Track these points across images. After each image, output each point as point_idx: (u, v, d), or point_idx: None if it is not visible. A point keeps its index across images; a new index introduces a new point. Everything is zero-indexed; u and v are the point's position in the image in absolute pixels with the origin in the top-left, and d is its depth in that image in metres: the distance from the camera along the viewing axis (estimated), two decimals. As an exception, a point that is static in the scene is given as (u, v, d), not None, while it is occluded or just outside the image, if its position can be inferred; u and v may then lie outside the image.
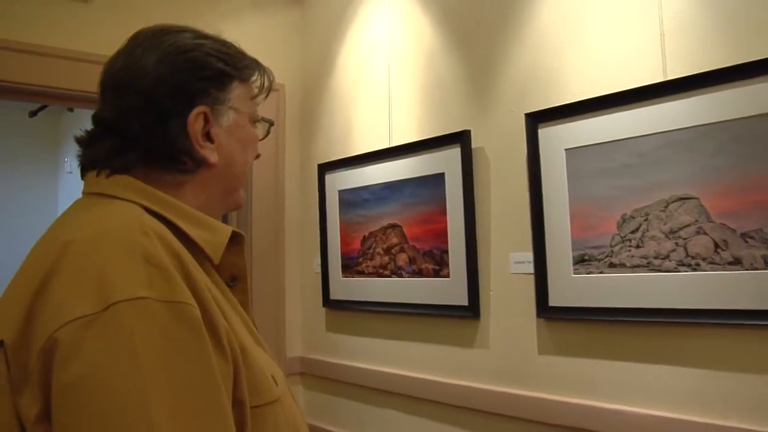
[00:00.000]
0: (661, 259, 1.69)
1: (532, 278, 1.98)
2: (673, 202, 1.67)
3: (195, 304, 0.78)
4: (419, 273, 2.35)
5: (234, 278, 1.00)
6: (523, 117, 1.98)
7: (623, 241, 1.76)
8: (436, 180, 2.28)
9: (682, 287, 1.65)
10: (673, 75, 1.68)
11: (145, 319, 0.74)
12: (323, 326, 2.86)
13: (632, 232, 1.75)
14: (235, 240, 0.98)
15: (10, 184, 5.84)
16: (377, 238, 2.53)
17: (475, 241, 2.15)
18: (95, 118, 0.98)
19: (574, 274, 1.86)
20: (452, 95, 2.29)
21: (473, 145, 2.17)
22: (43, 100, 2.71)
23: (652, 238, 1.71)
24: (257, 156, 1.09)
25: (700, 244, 1.62)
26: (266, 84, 1.07)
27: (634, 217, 1.74)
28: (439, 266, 2.26)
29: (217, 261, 0.93)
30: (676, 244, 1.66)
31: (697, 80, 1.63)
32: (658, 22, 1.72)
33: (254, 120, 1.06)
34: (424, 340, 2.36)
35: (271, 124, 1.12)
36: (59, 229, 0.89)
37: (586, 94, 1.86)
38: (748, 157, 1.54)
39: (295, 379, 2.92)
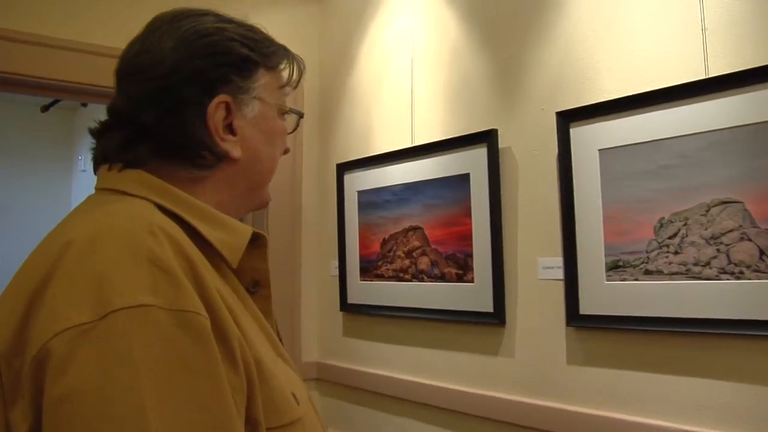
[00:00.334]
0: (702, 266, 1.60)
1: (561, 284, 1.89)
2: (714, 206, 1.58)
3: (204, 314, 0.71)
4: (442, 277, 2.26)
5: (256, 284, 0.92)
6: (554, 116, 1.90)
7: (660, 247, 1.67)
8: (461, 181, 2.20)
9: (723, 296, 1.56)
10: (715, 72, 1.59)
11: (147, 328, 0.66)
12: (340, 331, 2.78)
13: (670, 238, 1.66)
14: (257, 242, 0.90)
15: (21, 183, 5.77)
16: (398, 241, 2.45)
17: (502, 245, 2.06)
18: (109, 109, 0.91)
19: (607, 280, 1.78)
20: (478, 93, 2.21)
21: (500, 144, 2.09)
22: (55, 94, 2.63)
23: (692, 243, 1.62)
24: (286, 151, 1.01)
25: (744, 251, 1.53)
26: (296, 73, 0.99)
27: (672, 222, 1.65)
28: (463, 271, 2.18)
29: (235, 265, 0.86)
30: (718, 250, 1.57)
31: (741, 78, 1.54)
32: (699, 16, 1.63)
33: (282, 111, 0.98)
34: (445, 347, 2.27)
35: (301, 116, 1.04)
36: (63, 228, 0.82)
37: (621, 92, 1.77)
38: (800, 158, 1.45)
39: (311, 384, 2.84)
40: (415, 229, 2.39)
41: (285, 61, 0.97)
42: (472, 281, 2.15)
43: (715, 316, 1.57)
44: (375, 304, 2.56)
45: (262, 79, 0.92)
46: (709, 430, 1.56)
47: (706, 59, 1.62)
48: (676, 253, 1.64)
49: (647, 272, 1.70)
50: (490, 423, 2.07)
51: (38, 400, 0.65)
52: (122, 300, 0.67)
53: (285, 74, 0.98)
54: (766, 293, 1.49)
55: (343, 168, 2.75)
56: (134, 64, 0.89)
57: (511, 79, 2.09)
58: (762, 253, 1.50)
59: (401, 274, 2.43)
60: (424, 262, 2.34)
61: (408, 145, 2.44)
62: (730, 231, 1.55)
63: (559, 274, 1.90)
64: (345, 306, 2.71)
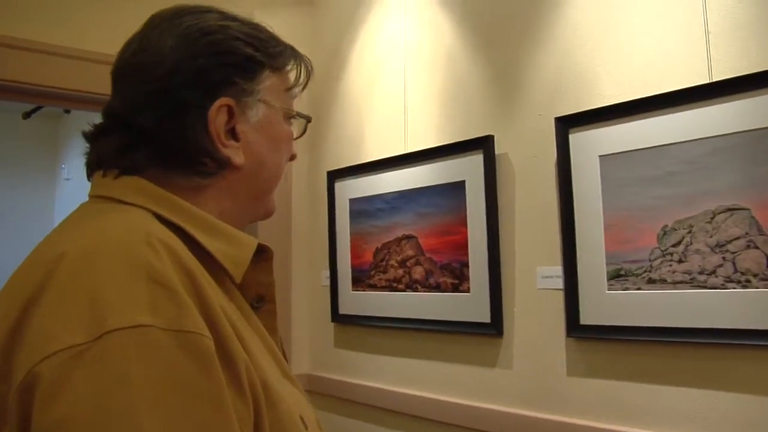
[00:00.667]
0: (707, 274, 1.56)
1: (561, 294, 1.84)
2: (720, 213, 1.54)
3: (208, 334, 0.65)
4: (437, 287, 2.21)
5: (260, 298, 0.87)
6: (553, 121, 1.86)
7: (664, 255, 1.63)
8: (456, 188, 2.15)
9: (730, 305, 1.51)
10: (719, 76, 1.56)
11: (146, 351, 0.61)
12: (331, 342, 2.72)
13: (674, 246, 1.61)
14: (262, 254, 0.85)
15: (3, 192, 5.66)
16: (391, 250, 2.40)
17: (499, 254, 2.01)
18: (105, 111, 0.85)
19: (609, 290, 1.73)
20: (473, 98, 2.16)
21: (497, 151, 2.04)
22: (38, 101, 2.56)
23: (697, 252, 1.58)
24: (292, 157, 0.96)
25: (751, 259, 1.49)
26: (303, 74, 0.93)
27: (676, 229, 1.61)
28: (459, 280, 2.13)
29: (239, 279, 0.80)
30: (724, 258, 1.53)
31: (746, 82, 1.50)
32: (702, 19, 1.60)
33: (289, 115, 0.93)
34: (441, 358, 2.22)
35: (308, 120, 0.99)
36: (54, 239, 0.75)
37: (621, 97, 1.73)
38: (809, 164, 1.42)
39: (301, 397, 2.77)
40: (408, 238, 2.33)
41: (292, 62, 0.92)
42: (468, 291, 2.10)
43: (720, 325, 1.53)
44: (367, 315, 2.50)
45: (267, 81, 0.87)
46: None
47: (710, 63, 1.58)
48: (680, 261, 1.60)
49: (650, 281, 1.65)
50: (488, 436, 2.02)
51: (26, 430, 0.59)
52: (118, 320, 0.61)
53: (292, 76, 0.93)
54: (774, 302, 1.45)
55: (334, 176, 2.69)
56: (132, 64, 0.83)
57: (508, 84, 2.05)
58: (770, 261, 1.46)
59: (395, 284, 2.38)
60: (418, 272, 2.29)
61: (401, 151, 2.39)
62: (737, 239, 1.51)
63: (559, 283, 1.85)
64: (336, 317, 2.65)
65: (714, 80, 1.57)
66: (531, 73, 1.98)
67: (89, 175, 0.85)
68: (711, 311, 1.54)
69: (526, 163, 1.98)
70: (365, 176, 2.53)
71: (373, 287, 2.47)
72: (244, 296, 0.83)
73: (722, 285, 1.53)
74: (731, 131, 1.53)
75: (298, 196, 2.88)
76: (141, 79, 0.81)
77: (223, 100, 0.81)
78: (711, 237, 1.55)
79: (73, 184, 5.44)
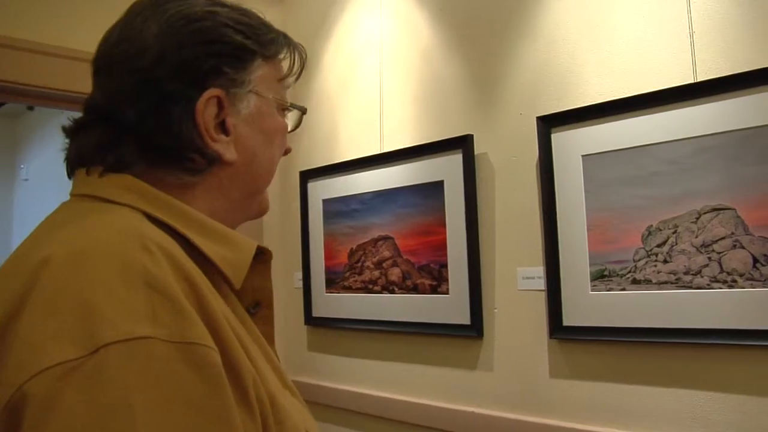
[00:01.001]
0: (692, 274, 1.55)
1: (543, 295, 1.82)
2: (705, 213, 1.54)
3: (213, 345, 0.59)
4: (414, 289, 2.18)
5: (257, 304, 0.80)
6: (535, 121, 1.83)
7: (648, 256, 1.62)
8: (434, 188, 2.12)
9: (715, 305, 1.51)
10: (704, 76, 1.55)
11: (146, 366, 0.55)
12: (305, 345, 2.66)
13: (659, 246, 1.60)
14: (260, 257, 0.79)
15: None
16: (366, 251, 2.36)
17: (479, 254, 1.99)
18: (86, 105, 0.78)
19: (592, 291, 1.72)
20: (452, 98, 2.13)
21: (476, 150, 2.01)
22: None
23: (682, 252, 1.57)
24: (287, 151, 0.90)
25: (737, 259, 1.49)
26: (297, 63, 0.87)
27: (661, 230, 1.60)
28: (437, 282, 2.10)
29: (238, 285, 0.74)
30: (709, 258, 1.53)
31: (731, 82, 1.50)
32: (686, 19, 1.59)
33: (282, 107, 0.87)
34: (419, 361, 2.18)
35: (303, 111, 0.94)
36: (35, 242, 0.68)
37: (604, 97, 1.72)
38: (796, 164, 1.42)
39: (273, 402, 2.71)
40: (385, 238, 2.30)
41: (285, 50, 0.86)
42: (447, 293, 2.07)
43: (706, 325, 1.52)
44: (342, 317, 2.45)
45: (258, 71, 0.81)
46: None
47: (694, 63, 1.57)
48: (665, 261, 1.59)
49: (635, 281, 1.64)
50: (468, 440, 1.99)
51: None
52: (115, 332, 0.55)
53: (285, 65, 0.87)
54: (760, 302, 1.45)
55: (307, 176, 2.64)
56: (113, 54, 0.77)
57: (488, 83, 2.02)
58: (756, 260, 1.46)
59: (370, 286, 2.34)
60: (395, 273, 2.25)
61: (377, 151, 2.35)
62: (722, 238, 1.51)
63: (541, 284, 1.84)
64: (310, 319, 2.60)
65: (698, 80, 1.56)
66: (511, 72, 1.95)
67: (70, 173, 0.79)
68: (697, 311, 1.54)
69: (506, 162, 1.95)
70: (339, 176, 2.49)
71: (348, 289, 2.43)
72: (241, 302, 0.78)
73: (708, 285, 1.52)
74: (715, 131, 1.53)
75: (269, 197, 2.81)
76: (123, 70, 0.75)
77: (211, 92, 0.76)
78: (696, 237, 1.55)
79: (32, 185, 5.27)
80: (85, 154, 0.76)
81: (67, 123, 0.79)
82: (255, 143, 0.82)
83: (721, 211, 1.51)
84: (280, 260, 2.80)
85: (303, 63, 0.89)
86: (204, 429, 0.56)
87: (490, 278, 1.97)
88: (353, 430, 2.39)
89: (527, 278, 1.88)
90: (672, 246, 1.58)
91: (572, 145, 1.77)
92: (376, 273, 2.31)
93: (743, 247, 1.48)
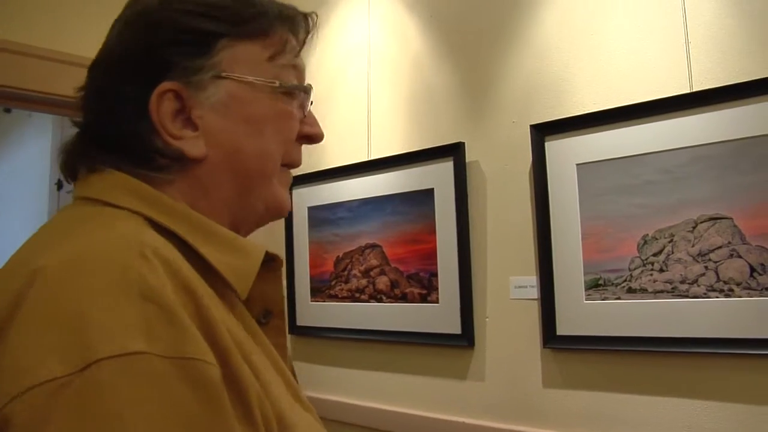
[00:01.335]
0: (689, 284, 1.55)
1: (536, 304, 1.81)
2: (702, 222, 1.54)
3: (213, 361, 0.55)
4: (403, 298, 2.15)
5: (267, 313, 0.75)
6: (528, 129, 1.83)
7: (644, 265, 1.62)
8: (424, 196, 2.10)
9: (712, 314, 1.51)
10: (699, 86, 1.56)
11: (141, 383, 0.51)
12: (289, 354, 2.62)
13: (655, 255, 1.60)
14: (269, 264, 0.74)
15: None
16: (353, 260, 2.33)
17: (470, 263, 1.97)
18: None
19: (587, 300, 1.71)
20: (443, 105, 2.11)
21: (467, 158, 2.00)
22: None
23: (678, 261, 1.57)
24: (306, 138, 0.83)
25: (734, 268, 1.49)
26: (300, 35, 0.79)
27: (657, 239, 1.60)
28: (427, 291, 2.08)
29: (244, 296, 0.70)
30: (706, 267, 1.53)
31: (727, 92, 1.51)
32: (682, 28, 1.59)
33: (279, 89, 0.77)
34: (407, 371, 2.16)
35: (306, 91, 0.82)
36: (31, 251, 0.64)
37: (598, 106, 1.71)
38: (795, 173, 1.42)
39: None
40: (372, 246, 2.27)
41: (278, 25, 0.77)
42: (437, 302, 2.05)
43: (703, 335, 1.52)
44: (328, 326, 2.41)
45: (224, 53, 0.73)
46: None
47: (690, 73, 1.58)
48: (661, 270, 1.59)
49: (630, 291, 1.64)
50: (458, 450, 1.96)
51: None
52: (108, 347, 0.51)
53: (279, 40, 0.77)
54: (757, 311, 1.45)
55: (292, 182, 2.60)
56: (93, 60, 0.76)
57: (479, 91, 2.01)
58: (753, 270, 1.46)
59: (357, 295, 2.31)
60: (382, 282, 2.22)
61: (364, 158, 2.33)
62: (719, 248, 1.51)
63: (534, 293, 1.82)
64: (294, 329, 2.56)
65: (694, 90, 1.56)
66: (503, 79, 1.95)
67: (68, 176, 0.77)
68: (693, 320, 1.54)
69: (498, 170, 1.94)
70: (326, 183, 2.46)
71: (334, 298, 2.40)
72: (250, 311, 0.73)
73: (704, 294, 1.52)
74: (711, 141, 1.53)
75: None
76: (93, 75, 0.75)
77: (163, 86, 0.70)
78: (693, 246, 1.55)
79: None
80: (68, 157, 0.75)
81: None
82: (234, 135, 0.74)
83: (718, 220, 1.52)
84: (264, 268, 2.76)
85: (308, 31, 0.81)
86: None
87: (481, 287, 1.96)
88: (339, 441, 2.36)
89: (520, 287, 1.87)
90: (668, 255, 1.58)
91: (567, 154, 1.76)
92: (364, 281, 2.29)
93: (740, 256, 1.48)
